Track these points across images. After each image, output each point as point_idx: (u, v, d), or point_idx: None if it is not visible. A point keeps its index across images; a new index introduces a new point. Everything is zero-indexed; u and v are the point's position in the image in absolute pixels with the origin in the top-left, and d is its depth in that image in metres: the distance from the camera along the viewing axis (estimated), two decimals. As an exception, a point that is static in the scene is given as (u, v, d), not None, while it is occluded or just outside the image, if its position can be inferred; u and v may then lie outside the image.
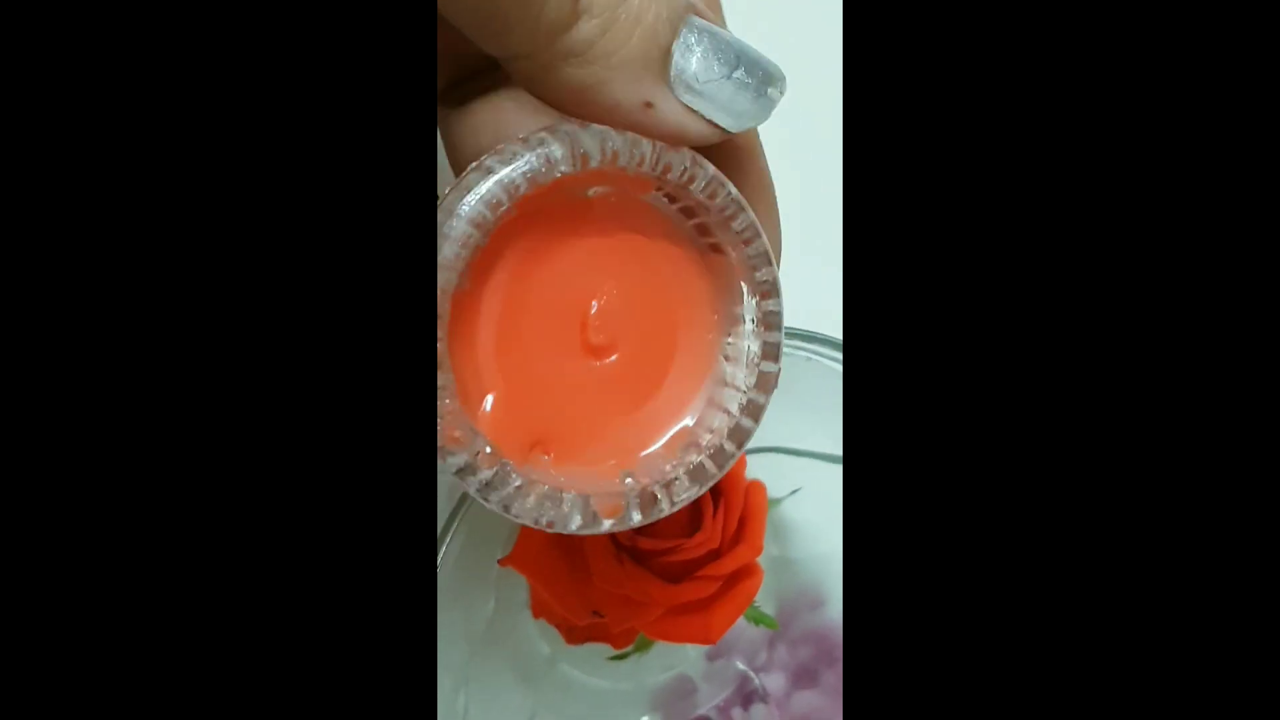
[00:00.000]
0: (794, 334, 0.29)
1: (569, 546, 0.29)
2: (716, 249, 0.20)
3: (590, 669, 0.33)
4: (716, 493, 0.29)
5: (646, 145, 0.18)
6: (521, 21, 0.16)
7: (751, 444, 0.31)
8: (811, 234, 0.31)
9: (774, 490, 0.32)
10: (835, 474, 0.32)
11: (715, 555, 0.28)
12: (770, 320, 0.19)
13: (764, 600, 0.33)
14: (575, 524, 0.18)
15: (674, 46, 0.17)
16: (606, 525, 0.18)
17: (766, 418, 0.32)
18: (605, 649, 0.32)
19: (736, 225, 0.19)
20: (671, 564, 0.28)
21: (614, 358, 0.19)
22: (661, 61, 0.17)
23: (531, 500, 0.18)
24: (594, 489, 0.18)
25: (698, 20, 0.17)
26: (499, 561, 0.29)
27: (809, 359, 0.30)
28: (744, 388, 0.20)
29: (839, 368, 0.30)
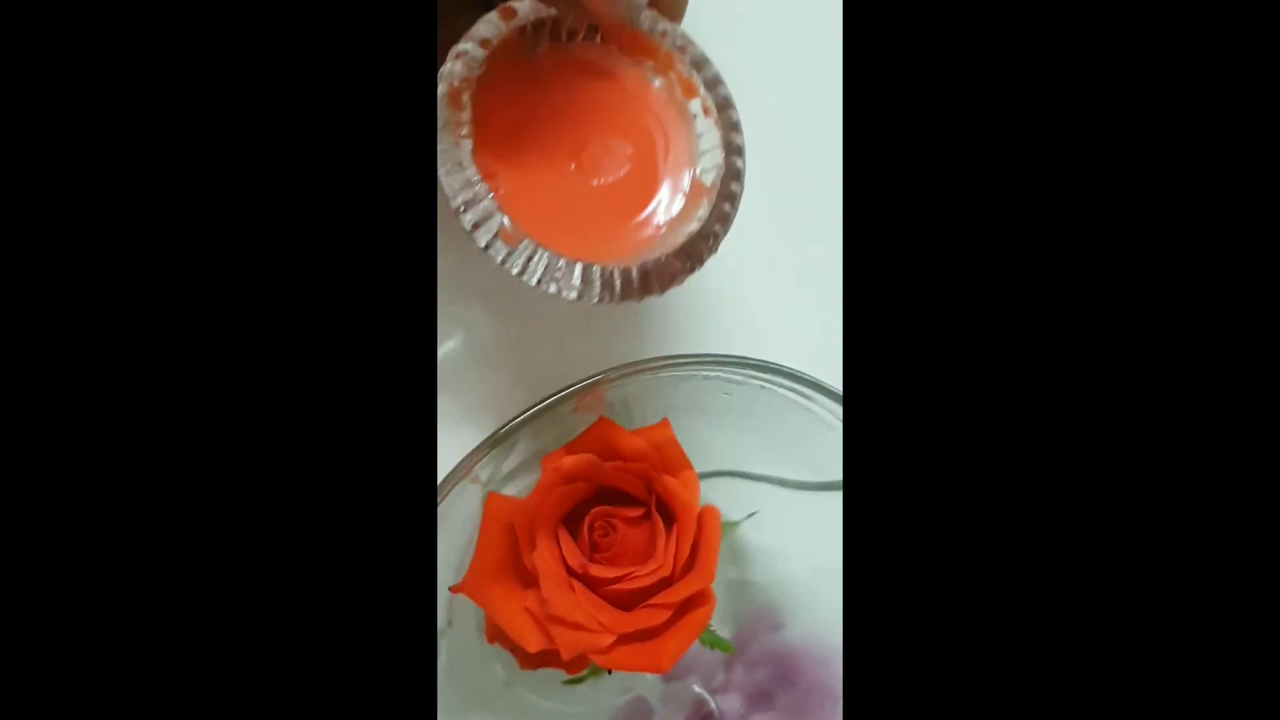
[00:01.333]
0: (749, 364, 0.29)
1: (521, 573, 0.29)
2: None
3: (546, 692, 0.33)
4: (670, 519, 0.29)
5: None
6: None
7: (706, 469, 0.31)
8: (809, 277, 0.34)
9: (731, 513, 0.32)
10: (790, 498, 0.33)
11: (667, 583, 0.28)
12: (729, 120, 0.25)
13: (721, 622, 0.33)
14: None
15: None
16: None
17: (722, 443, 0.32)
18: (560, 673, 0.31)
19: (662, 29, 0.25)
20: (623, 592, 0.28)
21: (605, 180, 0.24)
22: None
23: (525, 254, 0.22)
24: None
25: None
26: (450, 589, 0.28)
27: (763, 388, 0.30)
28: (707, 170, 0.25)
29: (793, 396, 0.30)
